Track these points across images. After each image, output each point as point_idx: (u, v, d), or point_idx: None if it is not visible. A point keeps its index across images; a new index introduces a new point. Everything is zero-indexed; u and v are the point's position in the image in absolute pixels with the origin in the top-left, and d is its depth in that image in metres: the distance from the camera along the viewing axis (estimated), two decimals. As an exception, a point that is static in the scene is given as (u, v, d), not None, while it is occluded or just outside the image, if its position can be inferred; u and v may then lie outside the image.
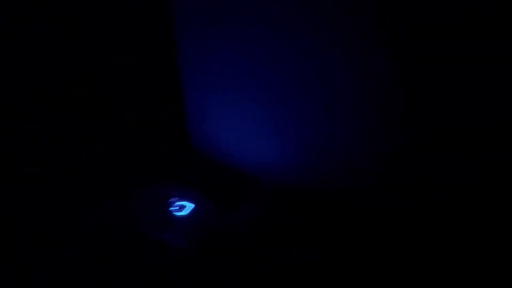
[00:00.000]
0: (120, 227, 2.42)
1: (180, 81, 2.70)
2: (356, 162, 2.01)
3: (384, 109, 1.73)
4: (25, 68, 2.07)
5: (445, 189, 1.70)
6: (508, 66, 1.38)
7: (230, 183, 2.90)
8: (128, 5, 2.18)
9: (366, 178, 2.02)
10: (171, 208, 2.54)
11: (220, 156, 2.98)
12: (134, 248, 2.20)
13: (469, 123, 1.54)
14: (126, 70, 2.49)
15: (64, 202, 2.17)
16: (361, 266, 1.69)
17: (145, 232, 2.39)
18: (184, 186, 2.80)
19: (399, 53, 1.57)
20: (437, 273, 1.58)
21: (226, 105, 2.63)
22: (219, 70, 2.37)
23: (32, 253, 1.70)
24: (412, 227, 1.80)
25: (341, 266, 1.70)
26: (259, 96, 2.29)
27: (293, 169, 2.41)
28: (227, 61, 2.29)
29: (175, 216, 2.56)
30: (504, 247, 1.54)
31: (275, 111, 2.26)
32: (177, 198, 2.54)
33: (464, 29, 1.36)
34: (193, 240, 2.34)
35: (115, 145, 2.80)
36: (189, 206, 2.63)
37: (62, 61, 2.18)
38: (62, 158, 2.41)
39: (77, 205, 2.20)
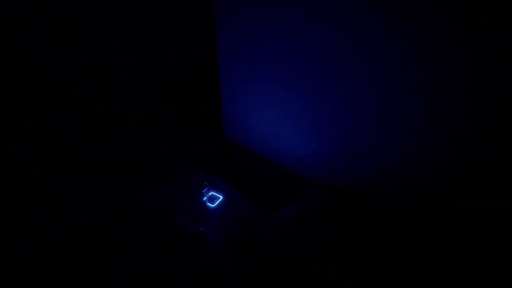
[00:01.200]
0: (155, 216, 2.45)
1: (218, 73, 2.69)
2: (398, 162, 1.94)
3: (431, 110, 1.67)
4: (69, 58, 2.25)
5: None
6: None
7: (263, 177, 2.85)
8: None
9: (409, 179, 1.95)
10: (204, 198, 2.52)
11: (254, 150, 2.94)
12: (168, 238, 2.21)
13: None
14: (166, 62, 2.65)
15: (105, 189, 2.35)
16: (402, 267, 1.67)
17: (178, 221, 2.39)
18: (216, 178, 2.78)
19: (455, 52, 1.47)
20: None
21: (264, 99, 2.60)
22: (259, 63, 2.33)
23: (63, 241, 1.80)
24: (461, 231, 1.73)
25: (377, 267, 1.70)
26: (299, 91, 2.24)
27: (332, 167, 2.35)
28: (267, 54, 2.23)
29: (207, 207, 2.55)
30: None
31: (316, 107, 2.21)
32: (207, 189, 2.52)
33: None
34: (222, 234, 2.32)
35: (150, 135, 2.98)
36: (219, 198, 2.61)
37: (105, 49, 2.35)
38: (103, 147, 2.64)
39: (117, 193, 2.38)
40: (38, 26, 1.96)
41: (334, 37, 1.77)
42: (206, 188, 2.60)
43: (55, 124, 2.43)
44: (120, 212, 2.23)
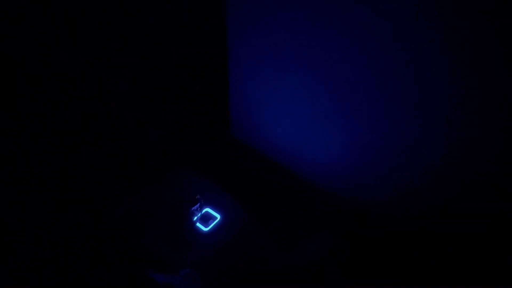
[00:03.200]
0: (122, 232, 1.77)
1: (227, 69, 2.20)
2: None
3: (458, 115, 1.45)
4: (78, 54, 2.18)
5: None
6: None
7: (278, 193, 2.13)
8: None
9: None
10: (194, 218, 1.81)
11: (266, 155, 2.22)
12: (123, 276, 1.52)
13: None
14: (173, 59, 2.39)
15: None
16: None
17: (152, 249, 1.68)
18: (214, 187, 2.06)
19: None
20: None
21: (275, 98, 2.10)
22: (271, 59, 1.97)
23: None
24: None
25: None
26: (325, 85, 1.82)
27: (350, 174, 1.97)
28: (280, 51, 1.90)
29: (196, 229, 1.84)
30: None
31: (333, 110, 1.86)
32: (200, 205, 1.80)
33: None
34: (213, 274, 1.63)
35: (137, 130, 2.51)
36: (215, 218, 1.89)
37: (114, 45, 2.26)
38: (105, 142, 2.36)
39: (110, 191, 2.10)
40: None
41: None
42: (199, 203, 1.89)
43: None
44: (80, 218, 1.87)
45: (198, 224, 1.90)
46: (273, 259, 1.73)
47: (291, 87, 1.94)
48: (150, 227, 1.86)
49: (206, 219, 1.93)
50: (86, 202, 2.00)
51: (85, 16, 2.09)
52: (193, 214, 1.88)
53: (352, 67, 1.63)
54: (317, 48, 1.72)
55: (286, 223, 2.02)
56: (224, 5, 1.96)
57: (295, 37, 1.78)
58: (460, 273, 1.60)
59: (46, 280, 1.54)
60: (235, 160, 2.39)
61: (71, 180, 2.08)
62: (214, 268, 1.72)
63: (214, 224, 1.92)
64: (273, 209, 2.09)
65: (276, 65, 1.94)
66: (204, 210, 1.96)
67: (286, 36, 1.81)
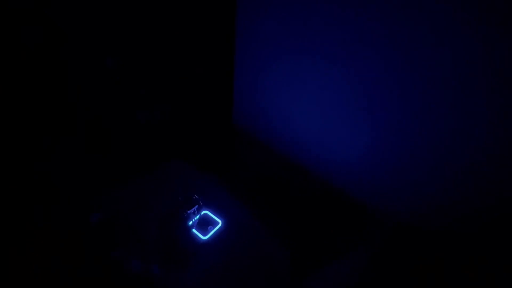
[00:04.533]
0: (99, 242, 1.40)
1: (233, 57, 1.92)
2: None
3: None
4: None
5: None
6: None
7: (282, 187, 1.77)
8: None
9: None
10: (190, 222, 1.43)
11: (270, 146, 1.86)
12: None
13: None
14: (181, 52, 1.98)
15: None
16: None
17: (133, 267, 1.30)
18: (216, 185, 1.68)
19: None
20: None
21: (285, 89, 1.79)
22: (283, 50, 1.71)
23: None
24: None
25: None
26: (338, 77, 1.56)
27: (365, 175, 1.67)
28: (294, 41, 1.64)
29: (193, 238, 1.46)
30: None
31: (345, 105, 1.60)
32: (197, 207, 1.42)
33: None
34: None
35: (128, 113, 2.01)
36: (216, 223, 1.52)
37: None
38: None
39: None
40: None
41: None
42: (197, 206, 1.51)
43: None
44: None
45: (194, 231, 1.52)
46: (290, 280, 1.36)
47: (307, 80, 1.62)
48: (130, 236, 1.47)
49: (204, 224, 1.54)
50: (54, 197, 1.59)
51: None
52: (189, 218, 1.49)
53: (376, 61, 1.37)
54: (337, 37, 1.45)
55: (301, 229, 1.65)
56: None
57: (310, 25, 1.53)
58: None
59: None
60: (238, 155, 2.01)
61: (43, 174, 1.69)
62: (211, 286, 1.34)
63: (215, 231, 1.53)
64: (285, 213, 1.72)
65: (288, 57, 1.67)
66: (202, 213, 1.57)
67: (299, 24, 1.55)
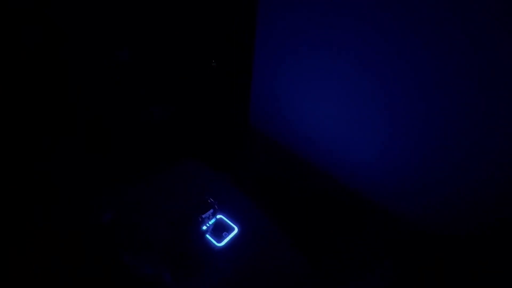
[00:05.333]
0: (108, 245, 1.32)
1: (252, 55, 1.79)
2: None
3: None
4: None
5: None
6: None
7: (302, 191, 1.67)
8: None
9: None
10: (203, 227, 1.33)
11: (289, 148, 1.77)
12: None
13: None
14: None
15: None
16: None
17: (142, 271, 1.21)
18: (231, 188, 1.59)
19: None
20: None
21: (304, 89, 1.68)
22: (304, 48, 1.59)
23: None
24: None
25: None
26: (359, 77, 1.45)
27: (385, 177, 1.55)
28: (316, 38, 1.53)
29: (207, 244, 1.35)
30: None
31: (363, 105, 1.50)
32: (213, 211, 1.31)
33: None
34: None
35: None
36: (232, 229, 1.42)
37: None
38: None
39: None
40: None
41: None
42: (212, 210, 1.41)
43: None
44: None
45: (208, 237, 1.42)
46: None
47: (325, 80, 1.52)
48: (140, 240, 1.38)
49: (219, 230, 1.44)
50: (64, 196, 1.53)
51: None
52: (203, 223, 1.39)
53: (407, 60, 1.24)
54: (356, 36, 1.35)
55: (320, 235, 1.53)
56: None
57: (329, 23, 1.42)
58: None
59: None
60: (255, 156, 1.91)
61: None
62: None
63: (230, 238, 1.43)
64: (304, 217, 1.60)
65: (307, 56, 1.57)
66: (217, 218, 1.47)
67: (318, 22, 1.44)
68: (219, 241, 1.41)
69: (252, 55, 1.79)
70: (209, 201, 1.39)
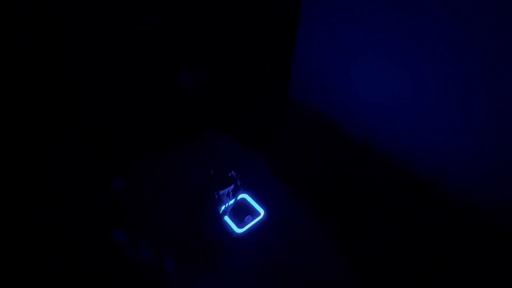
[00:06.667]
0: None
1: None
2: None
3: None
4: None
5: None
6: None
7: (346, 174, 1.32)
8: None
9: None
10: (222, 207, 1.04)
11: (333, 125, 1.41)
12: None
13: None
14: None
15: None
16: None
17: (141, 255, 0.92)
18: (258, 164, 1.30)
19: None
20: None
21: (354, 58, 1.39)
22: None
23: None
24: None
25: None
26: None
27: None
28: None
29: (225, 228, 1.04)
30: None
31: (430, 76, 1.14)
32: (234, 188, 1.00)
33: None
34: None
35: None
36: (257, 214, 1.10)
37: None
38: None
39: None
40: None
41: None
42: (233, 186, 1.12)
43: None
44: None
45: (227, 220, 1.13)
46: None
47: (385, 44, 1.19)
48: (143, 216, 1.13)
49: (241, 213, 1.15)
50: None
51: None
52: (221, 202, 1.11)
53: None
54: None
55: (367, 229, 1.20)
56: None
57: None
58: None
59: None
60: (294, 133, 1.59)
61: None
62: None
63: (254, 224, 1.13)
64: (348, 205, 1.28)
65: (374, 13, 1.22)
66: (239, 198, 1.18)
67: None
68: (239, 226, 1.12)
69: (297, 17, 1.48)
70: (230, 174, 1.10)
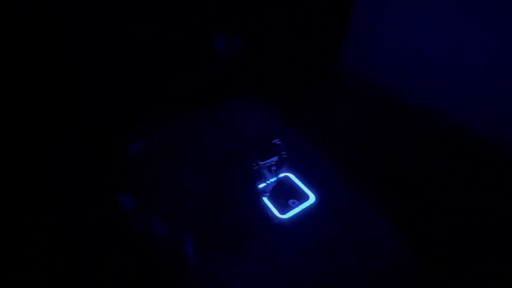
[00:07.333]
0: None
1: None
2: None
3: None
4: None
5: None
6: None
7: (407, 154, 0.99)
8: None
9: None
10: (262, 184, 0.77)
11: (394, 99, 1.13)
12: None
13: None
14: None
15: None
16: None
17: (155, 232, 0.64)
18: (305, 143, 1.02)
19: None
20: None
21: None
22: None
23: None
24: None
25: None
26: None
27: None
28: None
29: (265, 212, 0.75)
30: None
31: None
32: (278, 163, 0.73)
33: None
34: None
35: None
36: (304, 197, 0.80)
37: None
38: None
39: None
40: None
41: None
42: (277, 157, 0.88)
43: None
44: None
45: (266, 201, 0.88)
46: None
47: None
48: (162, 189, 0.92)
49: (284, 195, 0.89)
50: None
51: None
52: (259, 176, 0.86)
53: None
54: None
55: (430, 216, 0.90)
56: None
57: None
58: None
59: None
60: (348, 109, 1.35)
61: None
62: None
63: (301, 210, 0.87)
64: (418, 199, 0.99)
65: None
66: (282, 175, 0.93)
67: None
68: (282, 211, 0.87)
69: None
70: (274, 142, 0.86)
